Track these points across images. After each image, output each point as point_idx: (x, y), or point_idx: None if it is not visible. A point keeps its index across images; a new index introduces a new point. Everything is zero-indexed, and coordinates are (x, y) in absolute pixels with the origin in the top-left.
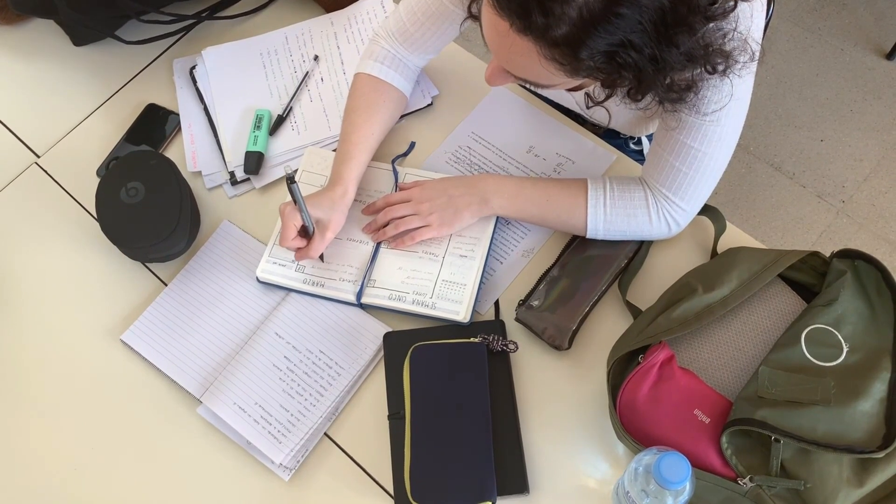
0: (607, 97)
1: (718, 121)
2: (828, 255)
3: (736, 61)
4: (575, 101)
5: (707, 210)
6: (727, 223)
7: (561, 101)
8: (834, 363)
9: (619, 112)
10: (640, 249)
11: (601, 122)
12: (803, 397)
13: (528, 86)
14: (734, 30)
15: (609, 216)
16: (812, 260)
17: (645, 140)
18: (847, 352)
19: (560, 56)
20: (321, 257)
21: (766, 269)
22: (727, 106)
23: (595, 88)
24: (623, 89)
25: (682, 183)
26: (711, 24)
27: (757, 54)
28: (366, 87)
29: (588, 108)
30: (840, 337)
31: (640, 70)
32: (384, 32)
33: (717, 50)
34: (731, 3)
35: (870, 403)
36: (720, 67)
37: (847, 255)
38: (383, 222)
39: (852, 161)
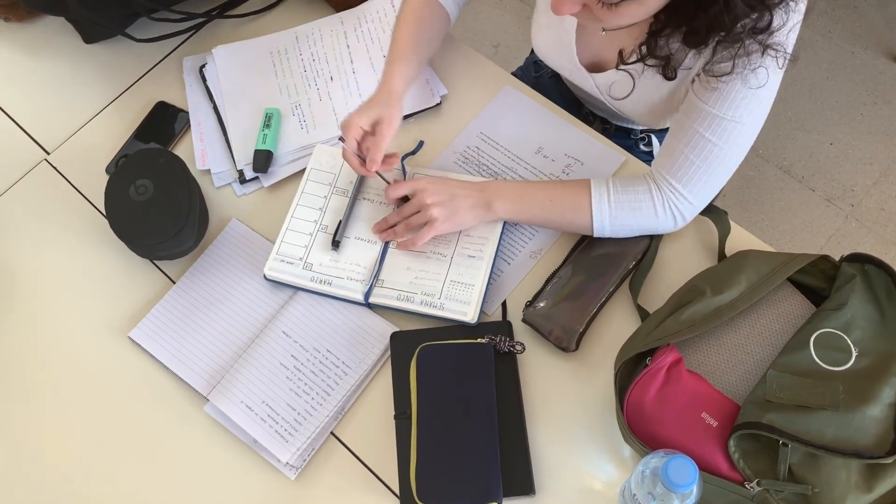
0: (651, 47)
1: (740, 119)
2: (837, 259)
3: (773, 47)
4: (595, 85)
5: (711, 211)
6: (734, 225)
7: (584, 86)
8: (843, 368)
9: (643, 93)
10: (648, 250)
11: (621, 96)
12: (812, 402)
13: (592, 23)
14: (770, 24)
15: (614, 211)
16: (821, 264)
17: (655, 141)
18: (856, 356)
19: None
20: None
21: (775, 272)
22: (750, 106)
23: (635, 51)
24: (668, 46)
25: (692, 175)
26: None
27: (782, 61)
28: (416, 1)
29: (618, 68)
30: (849, 341)
31: None
32: None
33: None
34: None
35: (879, 408)
36: (775, 24)
37: (857, 259)
38: (394, 222)
39: (862, 165)
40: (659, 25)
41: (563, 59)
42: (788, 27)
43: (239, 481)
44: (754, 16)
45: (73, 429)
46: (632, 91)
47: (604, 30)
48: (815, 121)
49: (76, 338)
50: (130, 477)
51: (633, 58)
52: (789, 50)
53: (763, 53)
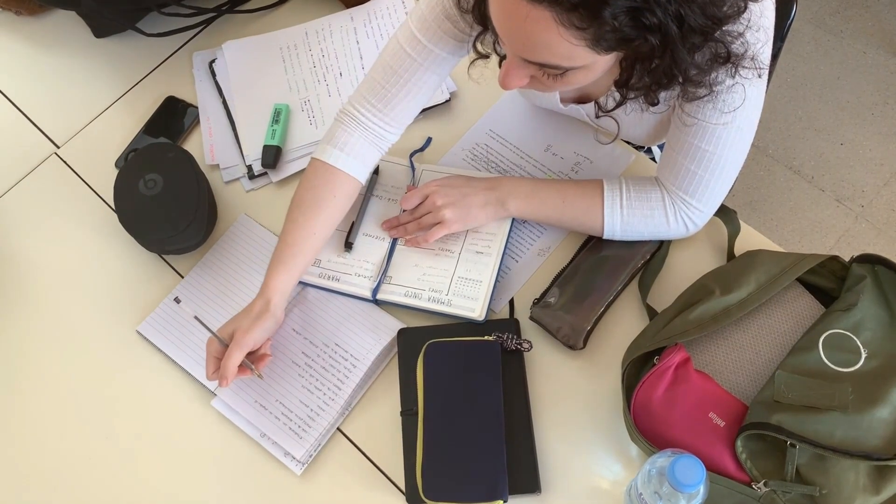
0: (622, 97)
1: (732, 122)
2: (847, 259)
3: (743, 66)
4: (585, 114)
5: (721, 211)
6: (744, 224)
7: (573, 115)
8: (852, 369)
9: (629, 123)
10: (658, 250)
11: (610, 134)
12: (820, 403)
13: (543, 91)
14: (742, 34)
15: (626, 217)
16: (831, 264)
17: (655, 149)
18: (865, 358)
19: (579, 20)
20: (259, 376)
21: (784, 272)
22: (740, 108)
23: (608, 98)
24: (640, 90)
25: (697, 185)
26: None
27: (764, 72)
28: (317, 178)
29: (597, 117)
30: (858, 342)
31: (666, 34)
32: (358, 98)
33: (732, 34)
34: (742, 3)
35: (888, 410)
36: (736, 51)
37: (867, 259)
38: (405, 221)
39: (872, 165)
40: (622, 77)
41: (545, 101)
42: (758, 45)
43: (245, 476)
44: (703, 56)
45: (81, 422)
46: (618, 130)
47: None
48: (825, 121)
49: (84, 331)
50: (136, 470)
51: (611, 104)
52: (765, 63)
53: (735, 74)
